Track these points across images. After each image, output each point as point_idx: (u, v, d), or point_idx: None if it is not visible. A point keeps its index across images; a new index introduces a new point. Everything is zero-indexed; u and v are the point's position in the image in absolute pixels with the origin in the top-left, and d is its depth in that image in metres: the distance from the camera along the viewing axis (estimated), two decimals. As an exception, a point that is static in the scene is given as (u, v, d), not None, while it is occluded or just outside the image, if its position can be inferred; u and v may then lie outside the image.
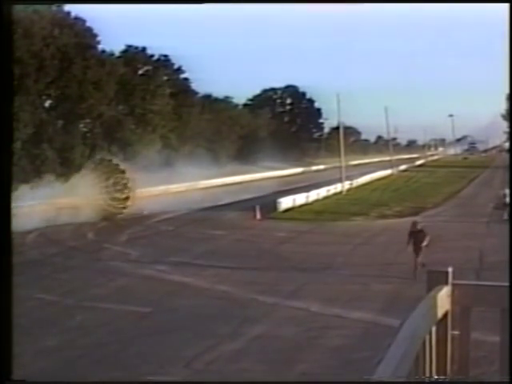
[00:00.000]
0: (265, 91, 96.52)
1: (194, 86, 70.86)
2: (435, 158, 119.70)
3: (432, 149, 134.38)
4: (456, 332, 2.81)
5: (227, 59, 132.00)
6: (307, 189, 36.91)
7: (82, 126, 56.74)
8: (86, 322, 11.77)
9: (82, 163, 53.08)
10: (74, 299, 13.48)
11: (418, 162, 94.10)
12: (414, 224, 15.97)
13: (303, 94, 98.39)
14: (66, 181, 33.66)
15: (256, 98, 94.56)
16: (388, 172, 64.41)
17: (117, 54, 61.31)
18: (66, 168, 50.98)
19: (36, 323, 11.51)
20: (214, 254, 18.98)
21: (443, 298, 2.68)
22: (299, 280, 15.07)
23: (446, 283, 2.77)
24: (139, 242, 22.24)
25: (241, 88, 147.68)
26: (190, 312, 12.30)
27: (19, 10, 37.42)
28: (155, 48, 64.78)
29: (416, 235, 15.31)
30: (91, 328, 11.41)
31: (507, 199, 25.24)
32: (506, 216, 24.03)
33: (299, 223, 26.51)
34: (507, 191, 25.45)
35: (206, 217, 29.61)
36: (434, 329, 2.54)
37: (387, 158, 73.55)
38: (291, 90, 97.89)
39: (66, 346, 10.33)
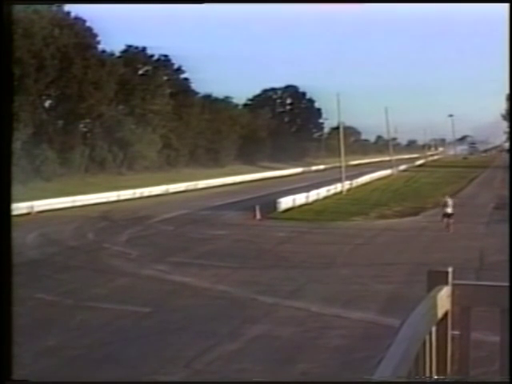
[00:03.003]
0: (265, 91, 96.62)
1: (194, 86, 70.92)
2: (435, 157, 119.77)
3: (432, 149, 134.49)
4: (456, 332, 2.81)
5: (227, 59, 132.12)
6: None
7: (82, 126, 56.72)
8: (86, 322, 11.77)
9: (81, 163, 53.27)
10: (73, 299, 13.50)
11: (418, 162, 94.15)
12: None
13: (303, 94, 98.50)
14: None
15: (256, 98, 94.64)
16: (388, 172, 64.42)
17: (117, 54, 61.33)
18: (66, 168, 51.06)
19: (36, 323, 11.51)
20: (214, 254, 18.98)
21: (443, 298, 2.68)
22: (299, 280, 15.07)
23: (446, 283, 2.77)
24: (139, 241, 22.25)
25: (241, 88, 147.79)
26: (190, 312, 12.29)
27: (19, 10, 37.44)
28: (155, 48, 64.75)
29: None
30: (91, 328, 11.42)
31: (448, 209, 23.21)
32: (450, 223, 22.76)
33: (299, 223, 26.51)
34: (448, 200, 23.75)
35: (206, 216, 29.62)
36: (434, 329, 2.53)
37: (387, 158, 73.57)
38: (291, 90, 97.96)
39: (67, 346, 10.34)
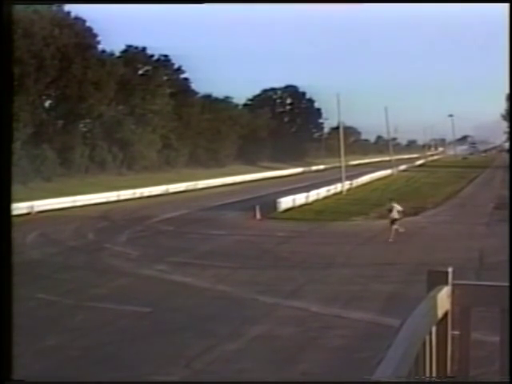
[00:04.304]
0: (265, 91, 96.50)
1: (194, 86, 70.93)
2: (435, 158, 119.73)
3: (432, 149, 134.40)
4: (456, 332, 2.81)
5: (227, 59, 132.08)
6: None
7: (82, 126, 56.74)
8: (86, 322, 11.77)
9: (81, 163, 53.29)
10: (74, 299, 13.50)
11: (418, 162, 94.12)
12: None
13: (303, 94, 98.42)
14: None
15: (256, 97, 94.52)
16: (388, 172, 64.42)
17: (117, 54, 61.34)
18: (66, 168, 51.07)
19: (36, 323, 11.51)
20: (213, 254, 18.98)
21: (443, 298, 2.68)
22: (299, 280, 15.07)
23: (446, 283, 2.77)
24: (139, 241, 22.25)
25: (241, 88, 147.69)
26: (190, 312, 12.29)
27: (19, 10, 37.44)
28: (155, 48, 64.75)
29: None
30: (91, 328, 11.42)
31: (394, 214, 21.69)
32: (400, 229, 21.38)
33: (299, 223, 26.50)
34: (395, 205, 22.07)
35: (206, 217, 29.61)
36: (434, 329, 2.54)
37: (387, 158, 73.57)
38: (291, 90, 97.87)
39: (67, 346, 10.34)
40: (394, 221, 21.73)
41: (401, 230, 21.49)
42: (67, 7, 51.66)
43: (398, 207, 22.22)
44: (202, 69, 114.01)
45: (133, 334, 11.06)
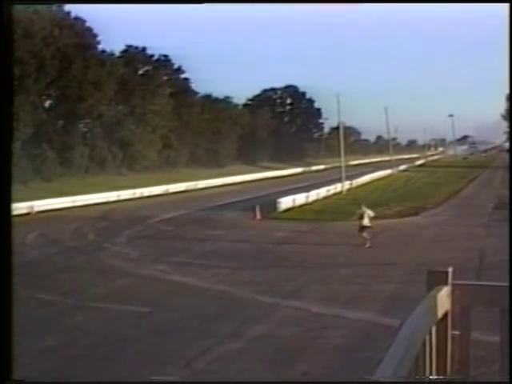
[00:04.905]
0: (265, 91, 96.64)
1: (194, 86, 70.99)
2: (435, 158, 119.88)
3: (432, 149, 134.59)
4: (456, 332, 2.81)
5: (227, 59, 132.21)
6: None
7: (82, 125, 56.74)
8: (86, 322, 11.77)
9: (81, 163, 53.30)
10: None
11: (418, 162, 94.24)
12: None
13: (303, 94, 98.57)
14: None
15: (256, 98, 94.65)
16: (388, 172, 64.45)
17: (117, 54, 61.39)
18: (66, 168, 51.08)
19: (37, 323, 11.50)
20: (213, 254, 18.97)
21: (443, 298, 2.68)
22: (299, 280, 15.07)
23: (446, 283, 2.77)
24: (139, 242, 22.24)
25: (241, 88, 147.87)
26: (190, 312, 12.29)
27: (19, 10, 37.45)
28: (155, 48, 64.82)
29: None
30: (91, 328, 11.42)
31: (365, 221, 19.98)
32: (368, 245, 19.41)
33: (299, 223, 26.50)
34: (367, 210, 20.46)
35: (206, 217, 29.61)
36: (434, 329, 2.53)
37: (387, 158, 73.62)
38: (291, 90, 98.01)
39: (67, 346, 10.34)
40: (364, 228, 19.95)
41: (367, 245, 19.38)
42: (67, 7, 51.76)
43: (370, 213, 20.47)
44: (202, 69, 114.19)
45: (132, 333, 11.06)
